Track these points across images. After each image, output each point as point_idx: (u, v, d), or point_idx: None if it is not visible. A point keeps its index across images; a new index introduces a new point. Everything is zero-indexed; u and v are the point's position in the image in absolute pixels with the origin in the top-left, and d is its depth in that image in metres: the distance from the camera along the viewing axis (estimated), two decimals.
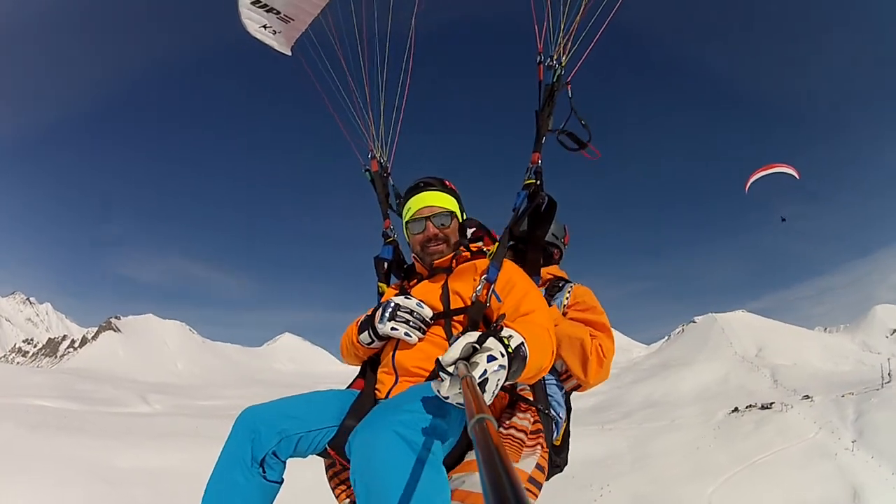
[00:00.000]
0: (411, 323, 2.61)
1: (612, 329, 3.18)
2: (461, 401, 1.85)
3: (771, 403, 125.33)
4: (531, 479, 2.42)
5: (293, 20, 4.24)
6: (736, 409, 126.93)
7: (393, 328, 2.61)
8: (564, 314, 3.22)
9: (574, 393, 3.20)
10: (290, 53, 4.47)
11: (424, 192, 2.93)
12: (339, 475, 2.69)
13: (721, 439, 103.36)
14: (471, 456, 2.38)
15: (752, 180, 29.34)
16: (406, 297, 2.69)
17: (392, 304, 2.67)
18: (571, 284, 3.35)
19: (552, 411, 2.84)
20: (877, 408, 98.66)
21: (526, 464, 2.44)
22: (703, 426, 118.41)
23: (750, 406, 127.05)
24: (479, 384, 1.85)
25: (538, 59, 3.35)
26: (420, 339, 2.62)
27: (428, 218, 2.88)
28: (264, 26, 4.28)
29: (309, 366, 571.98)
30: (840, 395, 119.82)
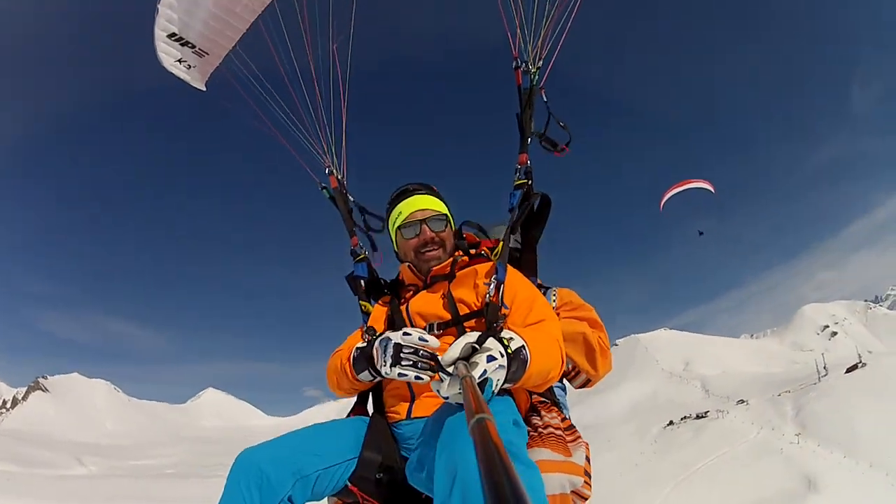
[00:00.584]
0: (419, 364, 2.14)
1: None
2: (461, 400, 1.83)
3: (706, 412, 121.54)
4: (586, 472, 2.42)
5: (207, 54, 4.21)
6: (671, 423, 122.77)
7: (401, 374, 2.15)
8: (557, 315, 3.01)
9: None
10: (204, 88, 4.41)
11: (416, 196, 2.77)
12: None
13: (661, 452, 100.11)
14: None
15: (666, 197, 29.07)
16: (405, 333, 2.20)
17: (393, 345, 2.20)
18: (554, 288, 3.28)
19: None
20: (815, 400, 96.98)
21: (578, 457, 2.41)
22: (640, 442, 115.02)
23: (685, 417, 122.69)
24: (479, 384, 1.83)
25: (514, 64, 3.46)
26: (432, 378, 2.14)
27: (422, 221, 2.71)
28: (179, 60, 4.21)
29: (235, 421, 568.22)
30: (776, 394, 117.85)
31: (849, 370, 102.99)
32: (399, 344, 2.17)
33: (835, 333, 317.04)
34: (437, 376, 2.09)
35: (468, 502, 1.60)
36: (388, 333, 2.30)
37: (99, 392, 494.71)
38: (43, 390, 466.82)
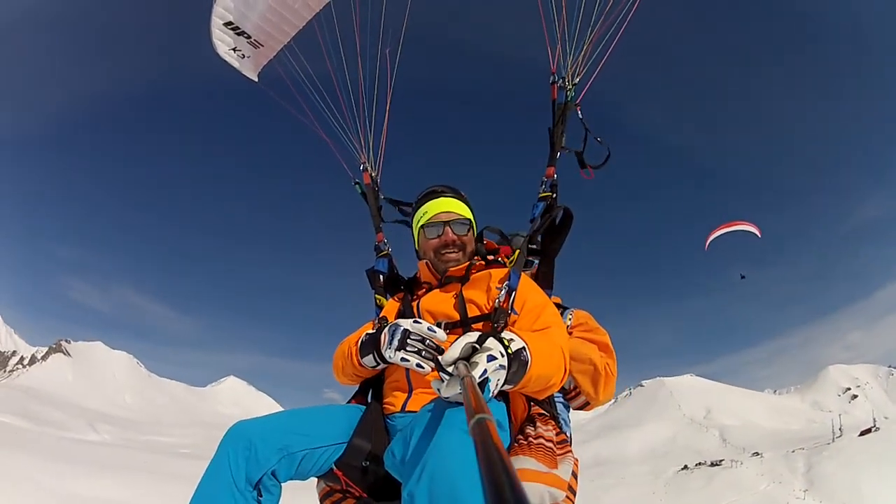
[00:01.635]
0: (423, 352, 2.13)
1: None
2: (461, 400, 1.78)
3: (720, 461, 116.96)
4: (570, 488, 2.30)
5: (262, 46, 4.19)
6: (685, 467, 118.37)
7: (403, 358, 2.14)
8: (570, 335, 3.04)
9: None
10: (255, 79, 4.40)
11: (442, 198, 2.74)
12: None
13: (672, 494, 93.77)
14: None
15: (712, 237, 28.23)
16: (416, 321, 2.21)
17: (402, 330, 2.19)
18: (571, 309, 3.22)
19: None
20: (827, 459, 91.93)
21: (563, 471, 2.29)
22: (653, 483, 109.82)
23: (700, 464, 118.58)
24: (479, 384, 1.78)
25: (551, 79, 3.43)
26: (433, 369, 2.11)
27: (446, 223, 2.68)
28: (233, 49, 4.21)
29: (253, 411, 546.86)
30: (790, 450, 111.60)
31: (862, 433, 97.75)
32: (408, 330, 2.16)
33: (855, 396, 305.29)
34: (436, 373, 1.99)
35: (435, 492, 1.57)
36: (398, 321, 2.29)
37: (120, 364, 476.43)
38: (64, 353, 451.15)
